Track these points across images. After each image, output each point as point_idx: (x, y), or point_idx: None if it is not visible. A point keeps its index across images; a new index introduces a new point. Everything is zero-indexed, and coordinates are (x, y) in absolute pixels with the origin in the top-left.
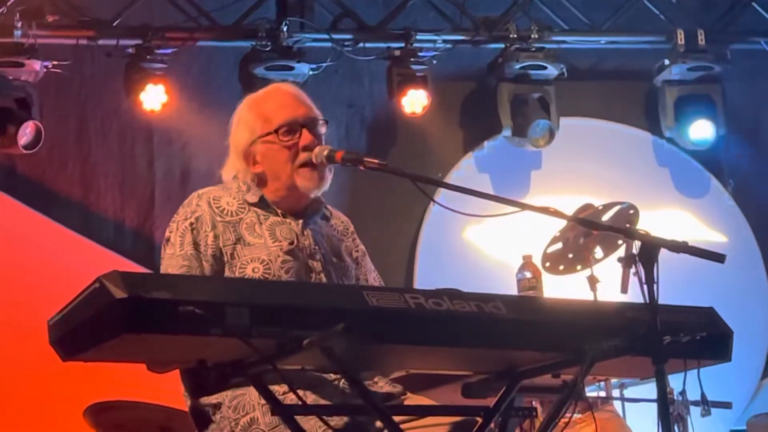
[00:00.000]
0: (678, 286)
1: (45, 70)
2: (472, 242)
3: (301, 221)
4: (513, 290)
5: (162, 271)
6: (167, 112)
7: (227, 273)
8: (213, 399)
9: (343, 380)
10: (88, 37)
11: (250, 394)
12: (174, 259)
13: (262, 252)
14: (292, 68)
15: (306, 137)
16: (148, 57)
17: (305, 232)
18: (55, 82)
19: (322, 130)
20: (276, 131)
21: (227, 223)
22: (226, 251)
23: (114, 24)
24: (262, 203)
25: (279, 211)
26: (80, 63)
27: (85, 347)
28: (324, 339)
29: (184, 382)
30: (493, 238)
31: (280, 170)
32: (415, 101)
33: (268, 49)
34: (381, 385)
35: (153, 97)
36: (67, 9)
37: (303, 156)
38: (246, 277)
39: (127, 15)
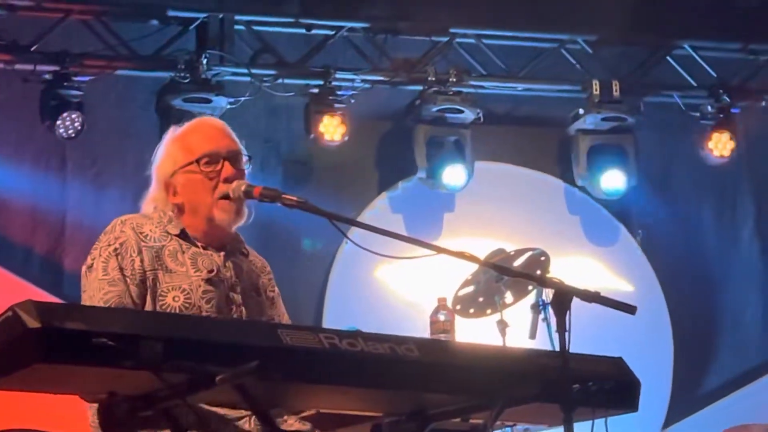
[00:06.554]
0: (583, 333)
1: None
2: (384, 282)
3: (222, 253)
4: (423, 331)
5: (87, 298)
6: (82, 139)
7: (149, 300)
8: None
9: (252, 418)
10: (4, 61)
11: None
12: (100, 284)
13: (183, 281)
14: (209, 101)
15: (228, 169)
16: (65, 83)
17: (227, 264)
18: None
19: (244, 165)
20: (197, 161)
21: (150, 248)
22: (149, 276)
23: (32, 49)
24: (182, 235)
25: (200, 244)
26: None
27: None
28: (237, 376)
29: (97, 415)
30: (404, 278)
31: (199, 201)
32: (333, 130)
33: (186, 80)
34: (291, 423)
35: (69, 124)
36: None
37: (223, 188)
38: (166, 305)
39: (45, 41)
